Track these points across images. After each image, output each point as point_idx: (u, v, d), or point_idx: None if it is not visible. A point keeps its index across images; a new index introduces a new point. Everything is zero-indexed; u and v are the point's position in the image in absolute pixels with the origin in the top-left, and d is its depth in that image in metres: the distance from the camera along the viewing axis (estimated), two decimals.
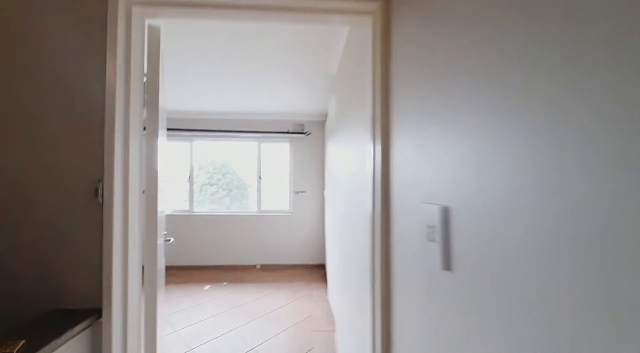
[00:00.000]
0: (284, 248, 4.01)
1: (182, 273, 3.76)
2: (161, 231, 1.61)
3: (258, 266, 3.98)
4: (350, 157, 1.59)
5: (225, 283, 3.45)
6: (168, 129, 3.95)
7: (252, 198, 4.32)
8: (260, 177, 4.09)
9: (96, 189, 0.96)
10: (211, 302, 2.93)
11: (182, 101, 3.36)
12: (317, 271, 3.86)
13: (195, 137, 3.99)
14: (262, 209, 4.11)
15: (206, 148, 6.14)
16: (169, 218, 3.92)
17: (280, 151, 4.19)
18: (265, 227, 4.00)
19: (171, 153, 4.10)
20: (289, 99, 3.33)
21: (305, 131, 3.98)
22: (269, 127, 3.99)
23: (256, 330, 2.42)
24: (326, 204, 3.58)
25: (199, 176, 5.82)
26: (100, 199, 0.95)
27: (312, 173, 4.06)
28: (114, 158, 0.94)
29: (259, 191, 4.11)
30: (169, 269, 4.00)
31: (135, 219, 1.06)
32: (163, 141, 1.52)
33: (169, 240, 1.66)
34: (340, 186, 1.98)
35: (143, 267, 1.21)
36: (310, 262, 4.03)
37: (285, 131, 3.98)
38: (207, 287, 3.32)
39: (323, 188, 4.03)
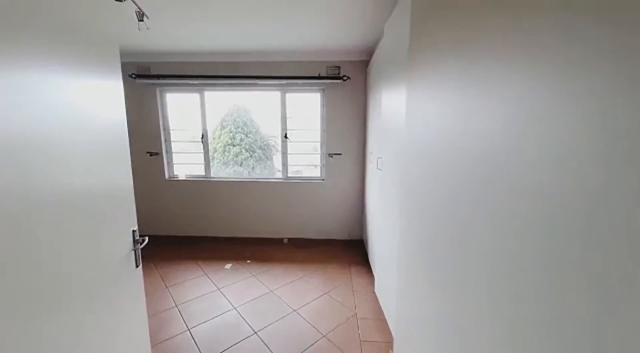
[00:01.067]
0: (315, 221, 3.39)
1: (201, 245, 3.33)
2: (124, 229, 0.95)
3: (285, 240, 3.44)
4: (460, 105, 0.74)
5: (248, 261, 2.95)
6: (172, 77, 3.24)
7: (279, 164, 3.64)
8: (285, 136, 3.32)
9: None
10: (232, 288, 2.44)
11: (187, 40, 2.53)
12: (355, 249, 3.25)
13: (206, 86, 3.21)
14: (288, 175, 3.43)
15: (226, 105, 5.42)
16: (183, 183, 3.38)
17: (309, 103, 3.33)
18: (293, 196, 3.36)
19: (185, 108, 3.41)
20: (320, 32, 2.38)
21: (341, 76, 3.04)
22: (295, 71, 3.09)
23: (286, 334, 1.88)
24: (370, 169, 2.80)
25: (221, 136, 5.27)
26: None
27: (350, 129, 3.21)
28: None
29: (284, 153, 3.38)
30: (188, 239, 3.71)
31: None
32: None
33: (141, 242, 1.00)
34: (417, 146, 1.15)
35: None
36: (347, 237, 3.40)
37: (316, 75, 3.07)
38: (228, 266, 2.84)
39: (364, 149, 3.20)
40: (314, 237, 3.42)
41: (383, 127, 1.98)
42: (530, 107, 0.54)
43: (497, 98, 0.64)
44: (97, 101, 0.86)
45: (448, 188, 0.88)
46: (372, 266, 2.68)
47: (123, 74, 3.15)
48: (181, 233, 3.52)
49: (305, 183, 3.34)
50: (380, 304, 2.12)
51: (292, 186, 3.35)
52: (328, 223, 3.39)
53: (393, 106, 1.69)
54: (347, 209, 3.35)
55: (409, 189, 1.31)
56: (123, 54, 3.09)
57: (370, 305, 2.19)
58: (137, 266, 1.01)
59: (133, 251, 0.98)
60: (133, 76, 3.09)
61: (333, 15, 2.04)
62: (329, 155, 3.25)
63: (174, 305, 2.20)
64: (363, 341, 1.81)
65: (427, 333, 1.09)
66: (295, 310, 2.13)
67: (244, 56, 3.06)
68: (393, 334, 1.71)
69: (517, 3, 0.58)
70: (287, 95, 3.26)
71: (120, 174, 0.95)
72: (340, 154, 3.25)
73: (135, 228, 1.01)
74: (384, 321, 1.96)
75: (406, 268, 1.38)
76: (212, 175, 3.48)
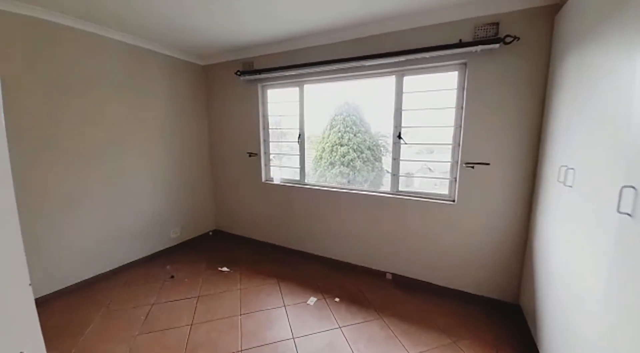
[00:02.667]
0: (436, 258, 2.34)
1: (287, 260, 2.89)
2: None
3: (389, 276, 2.56)
4: None
5: (337, 299, 2.26)
6: (269, 70, 2.65)
7: (389, 165, 2.80)
8: (399, 136, 2.42)
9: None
10: (311, 343, 1.79)
11: (278, 20, 2.05)
12: (507, 320, 2.01)
13: (306, 76, 2.70)
14: (399, 189, 2.51)
15: (335, 102, 4.96)
16: (277, 188, 3.03)
17: (439, 88, 2.29)
18: (405, 218, 2.42)
19: (283, 106, 3.07)
20: None
21: (502, 37, 1.87)
22: (419, 40, 2.14)
23: None
24: (556, 194, 1.55)
25: (330, 136, 4.89)
26: None
27: (510, 126, 1.98)
28: None
29: (395, 159, 2.48)
30: (275, 247, 3.11)
31: None
32: None
33: None
34: None
35: None
36: (489, 295, 2.19)
37: (455, 43, 2.01)
38: (312, 301, 2.23)
39: (536, 159, 1.91)
40: (432, 281, 2.38)
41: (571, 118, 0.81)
42: None
43: None
44: None
45: None
46: None
47: (230, 73, 2.83)
48: (270, 240, 3.22)
49: (424, 203, 2.34)
50: None
51: (405, 204, 2.41)
52: (457, 266, 2.27)
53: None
54: (494, 250, 2.13)
55: None
56: (230, 51, 2.99)
57: None
58: None
59: None
60: (238, 73, 2.93)
61: None
62: (467, 165, 2.13)
63: (239, 348, 1.74)
64: None
65: None
66: None
67: (348, 32, 2.36)
68: None
69: None
70: (405, 79, 2.34)
71: None
72: (487, 164, 2.07)
73: None
74: None
75: None
76: (306, 181, 2.98)
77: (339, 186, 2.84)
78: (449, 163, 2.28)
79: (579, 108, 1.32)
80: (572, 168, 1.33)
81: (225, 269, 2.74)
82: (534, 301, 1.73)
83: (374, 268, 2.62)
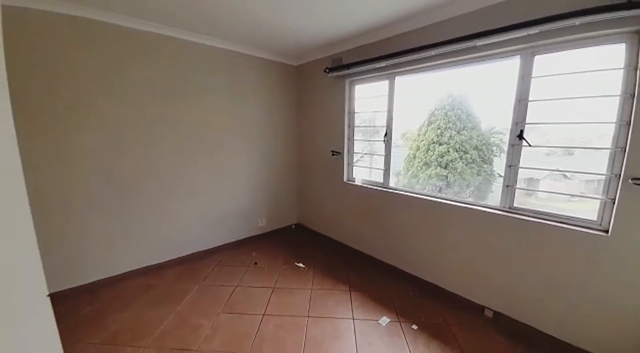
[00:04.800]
0: (566, 304, 1.69)
1: (362, 267, 2.69)
2: None
3: (489, 313, 2.02)
4: None
5: (415, 327, 1.92)
6: (357, 64, 2.49)
7: (499, 166, 2.24)
8: (521, 136, 1.83)
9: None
10: None
11: (371, 10, 1.85)
12: None
13: (398, 67, 2.39)
14: (514, 205, 1.92)
15: (438, 96, 4.44)
16: (358, 189, 2.87)
17: (590, 69, 1.60)
18: (521, 244, 1.84)
19: (369, 101, 2.85)
20: None
21: None
22: (560, 5, 1.53)
23: None
24: None
25: (427, 133, 4.41)
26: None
27: None
28: None
29: (512, 166, 1.90)
30: (353, 251, 2.94)
31: None
32: None
33: None
34: None
35: None
36: None
37: (616, 3, 1.33)
38: (384, 322, 1.98)
39: None
40: (553, 334, 1.73)
41: None
42: None
43: None
44: None
45: None
46: None
47: (319, 70, 2.79)
48: (348, 243, 3.09)
49: (552, 228, 1.71)
50: None
51: (520, 226, 1.83)
52: (601, 322, 1.57)
53: None
54: None
55: None
56: (319, 48, 2.94)
57: None
58: None
59: None
60: (327, 70, 2.88)
61: None
62: (635, 181, 1.41)
63: None
64: None
65: None
66: None
67: (449, 8, 1.92)
68: None
69: None
70: (537, 58, 1.74)
71: None
72: None
73: None
74: None
75: None
76: (390, 184, 2.69)
77: (430, 194, 2.43)
78: (603, 177, 1.58)
79: None
80: None
81: (301, 265, 2.78)
82: None
83: (470, 299, 2.13)
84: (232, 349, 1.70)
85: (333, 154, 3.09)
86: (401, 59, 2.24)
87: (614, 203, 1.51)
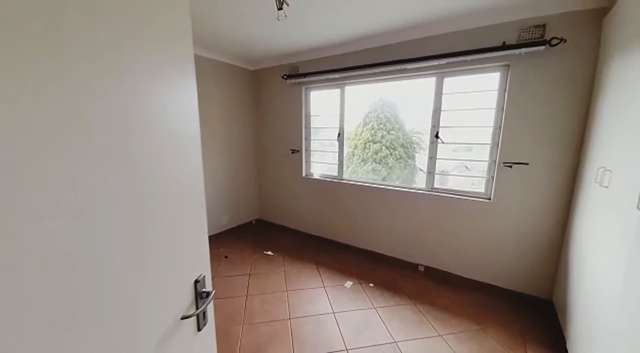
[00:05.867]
0: (469, 253, 2.45)
1: (325, 249, 3.15)
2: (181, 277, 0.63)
3: (421, 268, 2.70)
4: None
5: (372, 284, 2.47)
6: (313, 74, 2.93)
7: (422, 164, 2.92)
8: (437, 136, 2.53)
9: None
10: (349, 318, 2.03)
11: (328, 28, 2.26)
12: (536, 314, 2.08)
13: (348, 79, 2.90)
14: (434, 186, 2.63)
15: (369, 99, 5.08)
16: (316, 183, 3.29)
17: (479, 89, 2.36)
18: (440, 214, 2.55)
19: (323, 105, 3.29)
20: None
21: (548, 39, 1.90)
22: (462, 43, 2.23)
23: None
24: (593, 195, 1.61)
25: (363, 133, 5.03)
26: None
27: (552, 127, 2.01)
28: None
29: (432, 158, 2.59)
30: (314, 237, 3.40)
31: None
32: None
33: (207, 295, 0.67)
34: None
35: None
36: (521, 290, 2.26)
37: (498, 45, 2.08)
38: (348, 284, 2.47)
39: (578, 160, 1.94)
40: (464, 274, 2.49)
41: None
42: None
43: None
44: (171, 103, 0.58)
45: None
46: None
47: (277, 77, 3.26)
48: (310, 231, 3.50)
49: (459, 200, 2.45)
50: None
51: (439, 201, 2.54)
52: (491, 262, 2.36)
53: None
54: (529, 248, 2.19)
55: None
56: (278, 57, 3.26)
57: None
58: (199, 330, 0.71)
59: (195, 312, 0.68)
60: (285, 76, 3.20)
61: None
62: (505, 164, 2.20)
63: (287, 316, 2.04)
64: None
65: None
66: None
67: (391, 36, 2.50)
68: None
69: None
70: (446, 80, 2.44)
71: (183, 200, 0.65)
72: (526, 164, 2.12)
73: (202, 274, 0.71)
74: None
75: None
76: (344, 176, 3.20)
77: (375, 182, 3.02)
78: (487, 162, 2.36)
79: (621, 112, 1.37)
80: (609, 170, 1.40)
81: (270, 253, 3.08)
82: (566, 298, 1.79)
83: (407, 260, 2.79)
84: (229, 322, 1.94)
85: (292, 152, 3.44)
86: (351, 73, 2.74)
87: (493, 179, 2.29)
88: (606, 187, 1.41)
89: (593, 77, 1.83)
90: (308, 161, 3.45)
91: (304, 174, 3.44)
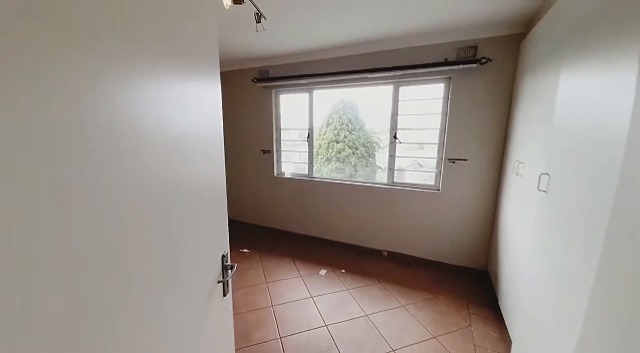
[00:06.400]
0: (423, 237, 2.86)
1: (299, 243, 3.37)
2: (213, 251, 0.81)
3: (385, 253, 3.07)
4: None
5: (343, 271, 2.75)
6: (283, 78, 3.30)
7: (382, 162, 3.28)
8: (395, 137, 2.89)
9: None
10: (325, 300, 2.28)
11: (299, 38, 2.47)
12: (477, 283, 2.55)
13: (315, 85, 3.14)
14: (394, 180, 3.00)
15: (333, 102, 5.38)
16: (287, 181, 3.48)
17: (429, 97, 2.78)
18: (399, 205, 2.92)
19: (293, 108, 3.48)
20: (453, 2, 1.82)
21: (478, 58, 2.35)
22: (413, 58, 2.61)
23: None
24: (512, 183, 2.07)
25: (326, 133, 5.31)
26: None
27: (483, 129, 2.48)
28: None
29: (391, 156, 2.96)
30: (287, 234, 3.63)
31: None
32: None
33: (231, 268, 0.86)
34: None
35: None
36: (464, 264, 2.73)
37: (441, 61, 2.49)
38: (323, 272, 2.72)
39: (503, 156, 2.43)
40: (419, 255, 2.90)
41: (558, 128, 1.31)
42: None
43: None
44: (198, 105, 0.74)
45: None
46: (504, 313, 1.99)
47: (246, 79, 3.44)
48: (284, 228, 3.67)
49: (414, 192, 2.84)
50: None
51: (398, 193, 2.91)
52: (440, 243, 2.79)
53: (591, 96, 1.04)
54: (469, 229, 2.66)
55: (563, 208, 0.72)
56: (248, 60, 3.38)
57: None
58: (225, 296, 0.89)
59: (222, 280, 0.86)
60: (255, 80, 3.33)
61: None
62: (450, 160, 2.63)
63: (270, 304, 2.22)
64: None
65: None
66: (394, 351, 1.77)
67: (354, 48, 2.80)
68: None
69: None
70: (401, 89, 2.81)
71: (211, 187, 0.82)
72: (465, 159, 2.58)
73: (226, 251, 0.89)
74: None
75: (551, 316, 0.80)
76: (314, 175, 3.44)
77: (342, 179, 3.31)
78: (435, 159, 2.78)
79: (529, 117, 1.82)
80: (522, 162, 1.85)
81: (245, 250, 3.19)
82: (496, 266, 2.26)
83: (372, 247, 3.13)
84: None
85: (264, 153, 3.58)
86: (319, 79, 2.99)
87: (440, 173, 2.72)
88: (520, 176, 1.85)
89: (512, 90, 2.33)
90: (279, 161, 3.61)
91: (275, 174, 3.60)
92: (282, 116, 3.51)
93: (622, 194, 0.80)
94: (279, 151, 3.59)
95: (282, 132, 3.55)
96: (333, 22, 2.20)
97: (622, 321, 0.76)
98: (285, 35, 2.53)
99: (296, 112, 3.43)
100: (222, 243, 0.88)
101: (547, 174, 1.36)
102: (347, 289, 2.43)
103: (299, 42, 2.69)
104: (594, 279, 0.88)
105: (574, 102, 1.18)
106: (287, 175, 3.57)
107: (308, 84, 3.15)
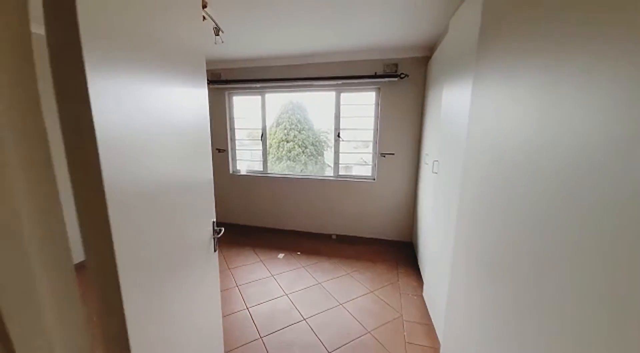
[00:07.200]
0: (364, 219, 3.43)
1: (257, 235, 3.66)
2: (206, 218, 1.14)
3: (334, 237, 3.56)
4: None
5: (299, 253, 3.15)
6: (238, 81, 3.58)
7: (329, 159, 3.77)
8: (338, 135, 3.40)
9: None
10: (284, 276, 2.65)
11: (250, 48, 2.78)
12: (404, 251, 3.20)
13: (267, 88, 3.47)
14: (339, 173, 3.51)
15: (282, 102, 5.72)
16: (243, 178, 3.73)
17: (363, 102, 3.35)
18: (344, 194, 3.44)
19: (248, 108, 3.74)
20: (378, 29, 2.36)
21: (399, 73, 2.98)
22: (351, 70, 3.14)
23: (332, 325, 2.00)
24: (424, 170, 2.72)
25: (276, 133, 5.61)
26: None
27: (405, 129, 3.13)
28: None
29: (336, 152, 3.47)
30: (246, 228, 4.08)
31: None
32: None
33: (220, 231, 1.19)
34: (501, 154, 1.13)
35: None
36: (395, 238, 3.37)
37: (372, 74, 3.07)
38: (281, 256, 3.08)
39: (419, 150, 3.11)
40: (362, 235, 3.47)
41: (443, 127, 1.91)
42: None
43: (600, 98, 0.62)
44: (189, 106, 1.04)
45: (525, 196, 0.86)
46: (420, 269, 2.63)
47: None
48: (241, 222, 3.91)
49: (355, 182, 3.39)
50: (428, 308, 2.09)
51: (343, 184, 3.43)
52: (377, 223, 3.40)
53: (456, 106, 1.63)
54: (398, 210, 3.31)
55: (472, 193, 1.27)
56: None
57: (417, 309, 2.17)
58: (214, 251, 1.21)
59: (212, 239, 1.18)
60: (208, 81, 3.49)
61: (395, 11, 2.02)
62: (382, 155, 3.24)
63: (235, 285, 2.50)
64: (408, 343, 1.83)
65: (481, 345, 1.08)
66: (341, 304, 2.24)
67: (301, 58, 3.22)
68: (440, 341, 1.69)
69: None
70: (342, 95, 3.33)
71: (203, 170, 1.14)
72: (393, 154, 3.21)
73: (214, 219, 1.21)
74: (431, 326, 1.94)
75: (461, 274, 1.35)
76: (268, 171, 3.77)
77: (295, 174, 3.71)
78: (371, 154, 3.37)
79: (431, 120, 2.47)
80: (427, 154, 2.49)
81: None
82: (417, 237, 2.92)
83: (323, 232, 3.59)
84: None
85: (219, 152, 3.76)
86: (271, 84, 3.33)
87: (376, 166, 3.31)
88: (427, 164, 2.50)
89: (423, 99, 3.01)
90: (234, 159, 3.83)
91: (231, 171, 3.81)
92: (235, 117, 3.74)
93: (467, 168, 1.36)
94: (233, 149, 3.81)
95: (236, 132, 3.78)
96: (282, 35, 2.57)
97: (469, 254, 1.32)
98: (237, 44, 2.81)
99: (250, 112, 3.70)
100: (211, 213, 1.20)
101: (437, 160, 1.96)
102: (303, 266, 2.84)
103: (251, 50, 3.00)
104: (455, 226, 1.45)
105: (447, 107, 1.79)
106: (243, 172, 3.82)
107: (261, 87, 3.46)
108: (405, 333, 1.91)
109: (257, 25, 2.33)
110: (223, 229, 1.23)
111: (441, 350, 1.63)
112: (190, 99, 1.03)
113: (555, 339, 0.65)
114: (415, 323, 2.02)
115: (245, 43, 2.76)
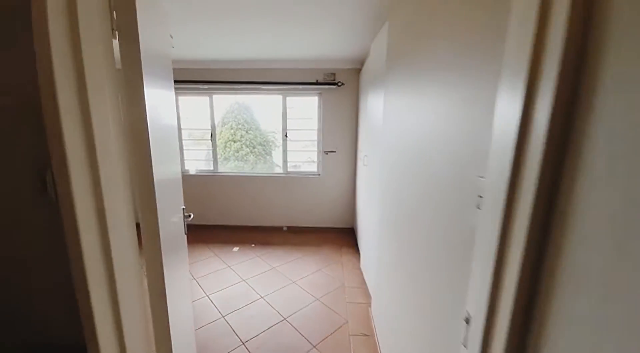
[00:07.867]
0: (311, 211, 3.82)
1: (209, 233, 3.75)
2: (179, 206, 1.36)
3: (285, 228, 3.88)
4: (436, 111, 1.17)
5: (253, 245, 3.39)
6: (185, 82, 3.62)
7: (277, 158, 4.06)
8: (286, 135, 3.73)
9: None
10: (240, 266, 2.87)
11: (197, 49, 2.91)
12: (346, 236, 3.69)
13: (215, 90, 3.60)
14: (288, 170, 3.84)
15: (228, 103, 5.77)
16: (193, 178, 3.79)
17: (308, 106, 3.73)
18: (292, 189, 3.78)
19: (192, 108, 3.79)
20: (318, 43, 2.76)
21: (336, 82, 3.44)
22: (295, 77, 3.49)
23: (287, 298, 2.32)
24: (359, 165, 3.23)
25: (222, 133, 5.63)
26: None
27: (344, 130, 3.62)
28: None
29: (284, 151, 3.79)
30: (199, 226, 4.11)
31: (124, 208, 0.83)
32: (166, 93, 1.23)
33: (189, 217, 1.42)
34: (396, 146, 1.59)
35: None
36: (339, 225, 3.85)
37: (314, 81, 3.47)
38: (236, 249, 3.27)
39: (356, 148, 3.63)
40: (310, 225, 3.86)
41: (368, 128, 2.40)
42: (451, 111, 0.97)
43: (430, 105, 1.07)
44: (162, 107, 1.26)
45: (406, 181, 1.32)
46: (359, 249, 3.13)
47: None
48: (194, 222, 3.93)
49: (303, 178, 3.76)
50: (364, 276, 2.57)
51: (291, 180, 3.77)
52: (323, 213, 3.82)
53: (376, 110, 2.11)
54: (340, 201, 3.78)
55: (386, 181, 1.74)
56: None
57: (356, 277, 2.63)
58: (185, 234, 1.43)
59: (183, 222, 1.40)
60: None
61: (329, 30, 2.42)
62: (325, 152, 3.67)
63: (193, 277, 2.63)
64: (348, 302, 2.26)
65: (393, 293, 1.53)
66: (294, 281, 2.58)
67: (249, 63, 3.46)
68: (372, 296, 2.16)
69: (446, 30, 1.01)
70: (288, 98, 3.66)
71: (177, 164, 1.36)
72: (334, 151, 3.67)
73: (183, 206, 1.43)
74: (366, 288, 2.41)
75: (383, 246, 1.82)
76: (219, 170, 3.89)
77: (245, 172, 3.91)
78: (316, 152, 3.79)
79: (363, 122, 2.98)
80: (361, 150, 2.99)
81: None
82: (357, 223, 3.43)
83: (275, 225, 3.88)
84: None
85: None
86: (218, 86, 3.47)
87: (320, 162, 3.74)
88: (361, 159, 3.00)
89: (357, 105, 3.53)
90: (182, 159, 3.84)
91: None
92: (182, 116, 3.76)
93: (383, 159, 1.83)
94: (181, 149, 3.82)
95: (183, 131, 3.80)
96: (228, 41, 2.79)
97: (388, 225, 1.78)
98: (184, 45, 2.92)
99: (195, 113, 3.76)
100: (180, 201, 1.42)
101: (367, 155, 2.45)
102: (258, 256, 3.09)
103: (195, 52, 3.12)
104: (380, 204, 1.91)
105: (371, 111, 2.27)
106: (192, 172, 3.86)
107: (208, 89, 3.58)
108: (346, 296, 2.35)
109: (198, 30, 2.50)
110: (192, 214, 1.45)
111: (372, 302, 2.10)
112: (166, 101, 1.25)
113: (417, 259, 1.10)
114: (354, 288, 2.47)
115: (189, 45, 2.89)
